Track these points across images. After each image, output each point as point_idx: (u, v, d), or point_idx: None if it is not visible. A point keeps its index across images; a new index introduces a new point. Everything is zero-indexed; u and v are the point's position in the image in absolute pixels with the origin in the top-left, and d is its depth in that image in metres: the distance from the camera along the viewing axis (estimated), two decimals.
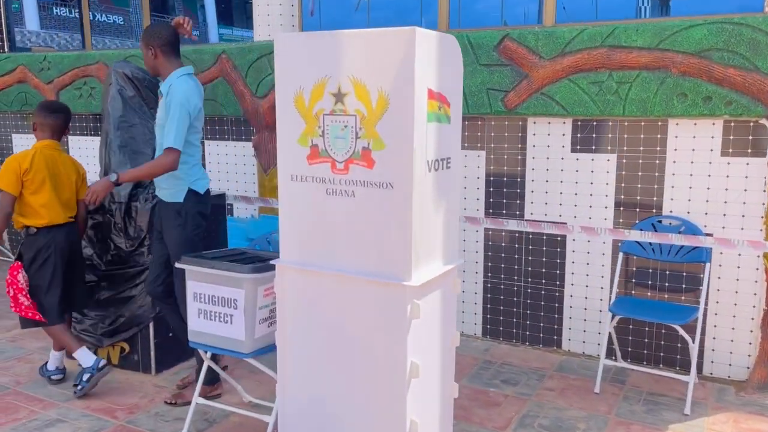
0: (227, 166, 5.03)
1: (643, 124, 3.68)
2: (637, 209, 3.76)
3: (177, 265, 2.92)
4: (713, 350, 3.68)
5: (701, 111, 3.44)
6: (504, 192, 4.09)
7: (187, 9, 20.55)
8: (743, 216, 3.51)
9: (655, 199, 3.71)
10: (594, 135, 3.81)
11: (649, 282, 3.79)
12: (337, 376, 2.53)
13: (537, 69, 3.77)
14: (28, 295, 3.47)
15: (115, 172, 3.20)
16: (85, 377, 3.42)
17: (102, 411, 3.33)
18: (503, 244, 4.14)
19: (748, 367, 3.59)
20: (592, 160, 3.83)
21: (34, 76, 5.68)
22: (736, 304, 3.59)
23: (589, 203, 3.86)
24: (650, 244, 3.65)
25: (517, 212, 4.07)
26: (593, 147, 3.82)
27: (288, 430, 2.67)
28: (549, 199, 3.97)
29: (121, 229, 3.68)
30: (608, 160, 3.79)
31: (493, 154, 4.09)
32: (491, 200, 4.13)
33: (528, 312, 4.13)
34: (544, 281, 4.06)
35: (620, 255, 3.74)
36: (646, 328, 3.82)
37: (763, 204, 3.46)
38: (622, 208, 3.79)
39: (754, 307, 3.55)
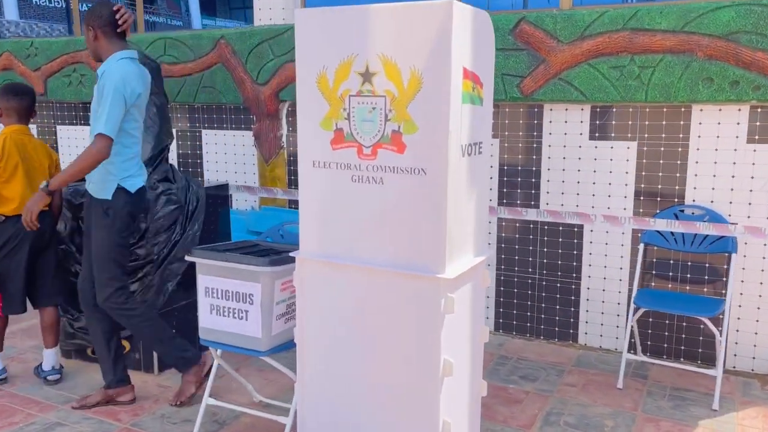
0: (226, 156, 4.84)
1: (665, 110, 3.55)
2: (659, 198, 3.64)
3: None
4: (736, 343, 3.57)
5: (728, 96, 3.32)
6: (518, 182, 3.95)
7: None
8: None
9: (677, 188, 3.59)
10: (613, 122, 3.67)
11: (670, 273, 3.67)
12: (361, 375, 2.37)
13: (555, 53, 3.63)
14: None
15: (46, 180, 2.95)
16: None
17: (104, 413, 3.15)
18: (517, 236, 4.01)
19: None
20: (611, 148, 3.70)
21: (20, 63, 5.43)
22: (760, 296, 3.49)
23: (608, 193, 3.73)
24: (672, 234, 3.53)
25: (532, 202, 3.93)
26: (612, 134, 3.69)
27: None
28: (566, 188, 3.83)
29: None
30: (628, 147, 3.66)
31: (507, 142, 3.95)
32: (504, 190, 3.99)
33: (543, 305, 4.00)
34: (559, 273, 3.93)
35: (641, 246, 3.62)
36: (667, 321, 3.71)
37: None
38: (642, 198, 3.67)
39: None
